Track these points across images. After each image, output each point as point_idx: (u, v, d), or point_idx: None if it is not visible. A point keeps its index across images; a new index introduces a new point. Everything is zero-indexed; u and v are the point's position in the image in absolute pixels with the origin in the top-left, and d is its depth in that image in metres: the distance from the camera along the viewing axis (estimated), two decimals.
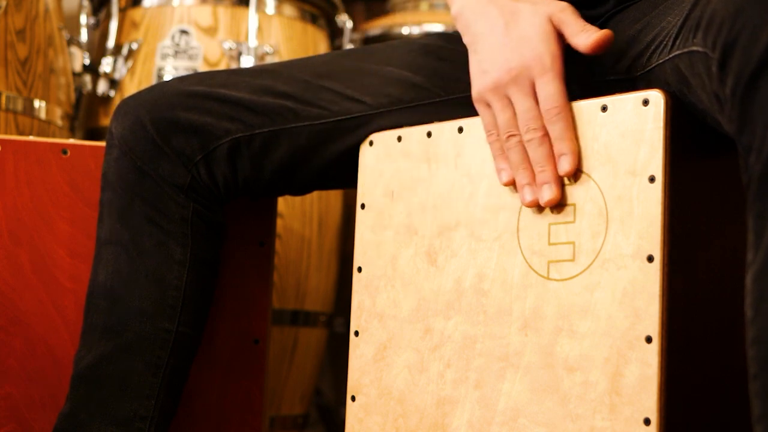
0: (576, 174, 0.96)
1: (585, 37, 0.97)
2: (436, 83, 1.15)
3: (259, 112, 1.14)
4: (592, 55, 0.98)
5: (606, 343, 0.91)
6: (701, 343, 0.94)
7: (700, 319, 0.94)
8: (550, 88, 0.96)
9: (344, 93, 1.14)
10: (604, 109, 0.94)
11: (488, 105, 1.00)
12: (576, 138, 0.96)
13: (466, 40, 1.03)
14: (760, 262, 0.76)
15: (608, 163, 0.93)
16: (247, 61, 1.78)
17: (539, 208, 0.98)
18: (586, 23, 0.98)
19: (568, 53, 1.13)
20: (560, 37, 0.99)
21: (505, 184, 1.00)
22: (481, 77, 1.00)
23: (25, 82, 1.58)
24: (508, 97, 0.98)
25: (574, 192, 0.95)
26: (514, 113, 0.98)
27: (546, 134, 0.96)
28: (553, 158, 0.96)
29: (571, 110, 0.96)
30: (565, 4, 1.00)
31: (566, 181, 0.96)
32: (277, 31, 1.85)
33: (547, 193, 0.96)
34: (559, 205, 0.96)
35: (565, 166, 0.95)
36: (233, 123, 1.14)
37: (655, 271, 0.89)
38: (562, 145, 0.96)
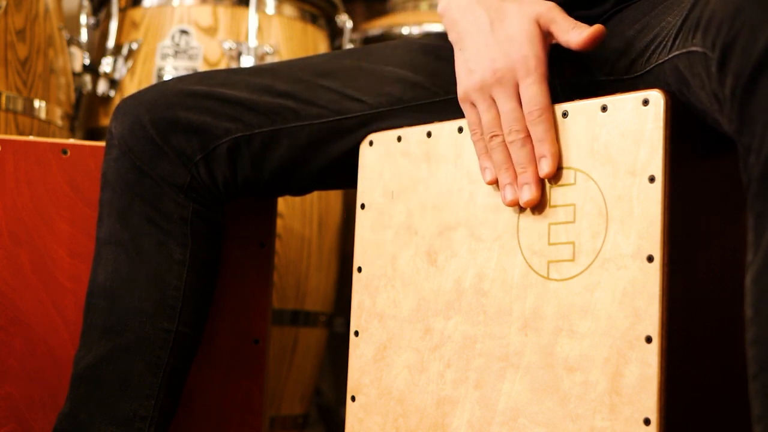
0: (559, 174, 0.96)
1: (576, 34, 0.98)
2: (435, 83, 1.15)
3: (259, 112, 1.14)
4: (584, 51, 0.98)
5: (606, 343, 0.91)
6: (701, 343, 0.94)
7: (700, 319, 0.94)
8: (534, 90, 0.97)
9: (344, 92, 1.14)
10: (604, 109, 0.94)
11: (473, 104, 1.01)
12: (557, 140, 0.97)
13: (451, 37, 1.04)
14: (759, 262, 0.76)
15: (608, 163, 0.93)
16: (247, 61, 1.78)
17: (539, 207, 0.98)
18: (575, 21, 0.99)
19: (566, 54, 1.13)
20: (546, 39, 1.00)
21: (488, 183, 1.01)
22: (467, 77, 1.01)
23: (25, 82, 1.58)
24: (493, 98, 0.99)
25: (574, 192, 0.95)
26: (498, 113, 0.99)
27: (528, 136, 0.98)
28: (534, 160, 0.97)
29: (553, 112, 0.97)
30: (551, 3, 1.00)
31: (567, 181, 0.96)
32: (277, 31, 1.85)
33: (527, 194, 0.98)
34: (559, 205, 0.96)
35: (545, 168, 0.97)
36: (233, 122, 1.14)
37: (655, 271, 0.89)
38: (542, 147, 0.97)
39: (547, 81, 0.98)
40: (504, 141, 0.99)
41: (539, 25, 0.99)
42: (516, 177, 0.99)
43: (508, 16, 1.00)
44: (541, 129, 0.97)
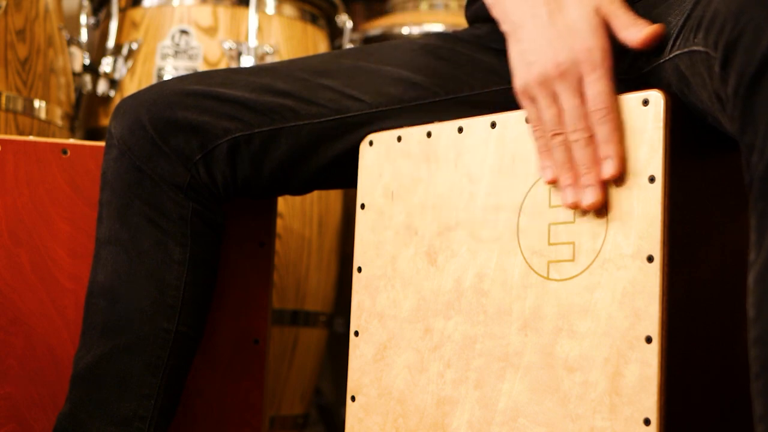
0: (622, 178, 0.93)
1: (635, 31, 0.93)
2: (435, 83, 1.15)
3: (259, 111, 1.14)
4: (640, 50, 0.94)
5: (606, 343, 0.91)
6: (701, 343, 0.94)
7: (700, 319, 0.94)
8: (599, 86, 0.91)
9: (344, 92, 1.14)
10: None
11: (532, 99, 0.95)
12: (622, 141, 0.91)
13: (504, 28, 0.98)
14: (762, 261, 0.76)
15: None
16: (247, 61, 1.78)
17: (540, 207, 0.98)
18: (636, 16, 0.94)
19: None
20: (608, 31, 0.94)
21: (548, 183, 0.96)
22: (525, 69, 0.95)
23: (25, 82, 1.58)
24: (554, 92, 0.93)
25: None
26: (560, 110, 0.93)
27: (592, 135, 0.92)
28: (597, 160, 0.92)
29: (619, 111, 0.92)
30: None
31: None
32: (277, 31, 1.85)
33: (590, 197, 0.92)
34: (559, 205, 0.96)
35: (609, 169, 0.91)
36: (232, 122, 1.14)
37: (655, 271, 0.89)
38: (607, 148, 0.91)
39: (612, 76, 0.92)
40: (566, 139, 0.93)
41: (600, 16, 0.93)
42: (577, 178, 0.93)
43: (567, 5, 0.93)
44: (607, 129, 0.91)
